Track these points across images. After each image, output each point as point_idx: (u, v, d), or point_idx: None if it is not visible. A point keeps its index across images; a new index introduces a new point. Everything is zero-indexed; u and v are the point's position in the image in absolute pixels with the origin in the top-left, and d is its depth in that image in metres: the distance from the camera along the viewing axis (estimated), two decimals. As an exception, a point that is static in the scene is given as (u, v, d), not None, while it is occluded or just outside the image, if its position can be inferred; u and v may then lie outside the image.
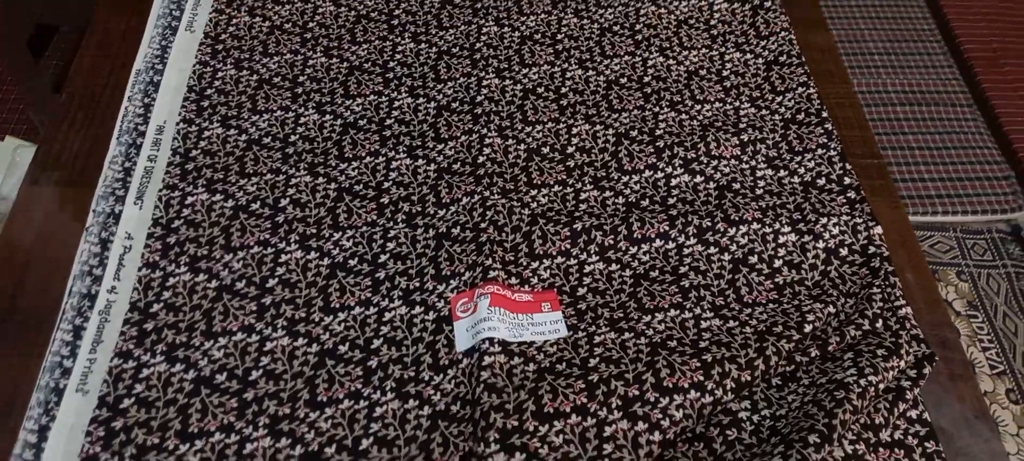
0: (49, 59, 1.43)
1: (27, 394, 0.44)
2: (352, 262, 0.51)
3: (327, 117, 0.60)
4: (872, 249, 0.54)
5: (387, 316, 0.49)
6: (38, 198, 0.52)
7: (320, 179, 0.56)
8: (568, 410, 0.43)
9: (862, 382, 0.45)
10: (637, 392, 0.44)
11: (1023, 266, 1.57)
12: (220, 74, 0.61)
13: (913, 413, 0.47)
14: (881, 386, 0.46)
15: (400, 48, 0.65)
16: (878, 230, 0.55)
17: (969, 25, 1.90)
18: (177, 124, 0.57)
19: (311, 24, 0.66)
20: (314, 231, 0.53)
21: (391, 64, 0.64)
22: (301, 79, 0.62)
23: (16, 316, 0.47)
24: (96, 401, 0.43)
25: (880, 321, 0.49)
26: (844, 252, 0.54)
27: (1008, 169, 1.67)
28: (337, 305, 0.49)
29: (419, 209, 0.55)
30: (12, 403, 0.44)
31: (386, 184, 0.56)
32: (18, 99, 1.35)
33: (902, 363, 0.47)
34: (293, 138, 0.58)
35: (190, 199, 0.53)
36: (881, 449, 0.45)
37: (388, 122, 0.60)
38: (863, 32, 1.89)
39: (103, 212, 0.51)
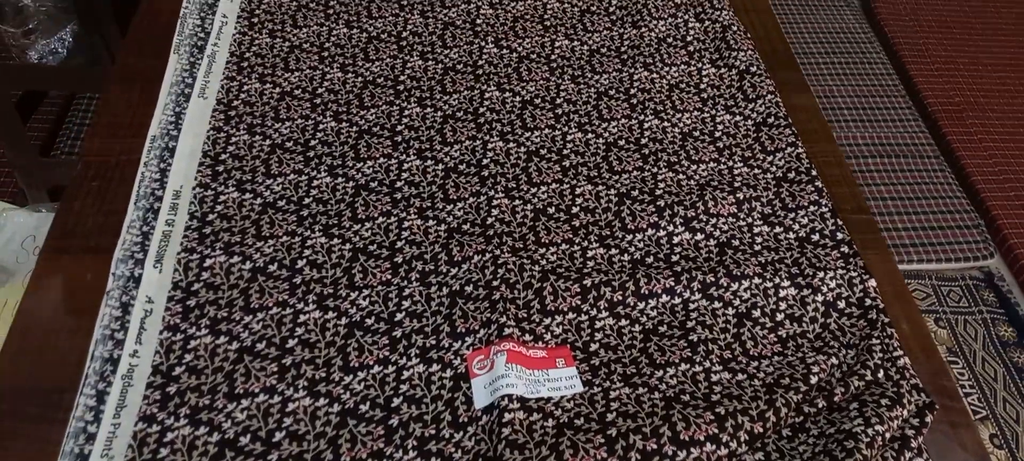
0: (36, 123, 1.43)
1: (51, 461, 0.44)
2: (369, 321, 0.53)
3: (339, 180, 0.61)
4: (868, 301, 0.56)
5: (405, 374, 0.50)
6: (56, 265, 0.53)
7: (335, 240, 0.57)
8: (589, 465, 0.44)
9: (870, 432, 0.47)
10: (655, 445, 0.45)
11: (998, 312, 1.61)
12: (234, 139, 0.63)
13: None
14: (887, 435, 0.48)
15: (407, 112, 0.67)
16: (872, 283, 0.58)
17: (931, 81, 1.99)
18: (193, 189, 0.58)
19: (320, 90, 0.68)
20: (331, 291, 0.54)
21: (399, 128, 0.66)
22: (313, 143, 0.64)
23: (39, 383, 0.47)
24: (122, 467, 0.43)
25: (881, 371, 0.52)
26: (842, 305, 0.56)
27: (977, 217, 1.73)
28: (356, 364, 0.50)
29: (432, 268, 0.56)
30: (36, 471, 0.44)
31: (399, 243, 0.58)
32: (4, 163, 1.35)
33: (905, 412, 0.49)
34: (307, 201, 0.59)
35: (209, 262, 0.54)
36: (890, 496, 0.47)
37: (398, 184, 0.62)
38: (832, 88, 1.97)
39: (123, 276, 0.52)
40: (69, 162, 1.38)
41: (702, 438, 0.46)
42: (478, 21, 0.76)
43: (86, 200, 0.57)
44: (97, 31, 1.19)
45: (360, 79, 0.70)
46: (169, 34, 0.70)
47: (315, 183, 0.61)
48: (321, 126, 0.65)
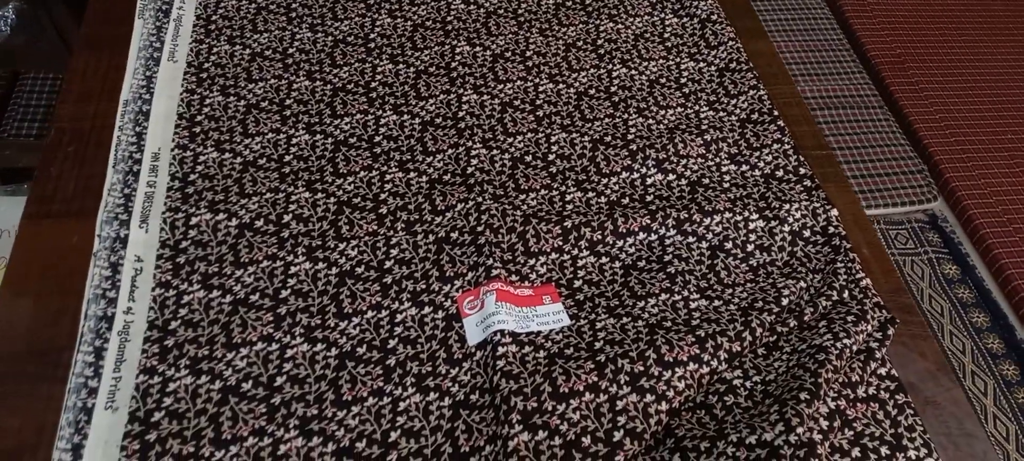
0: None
1: (54, 420, 0.44)
2: (359, 270, 0.54)
3: (318, 137, 0.62)
4: (831, 229, 0.60)
5: (399, 318, 0.51)
6: (38, 231, 0.53)
7: (319, 195, 0.58)
8: (582, 389, 0.47)
9: (838, 345, 0.50)
10: (642, 368, 0.48)
11: (943, 252, 1.70)
12: (208, 101, 0.63)
13: (883, 371, 0.53)
14: (854, 348, 0.51)
15: (379, 69, 0.68)
16: (834, 212, 0.61)
17: (873, 34, 2.06)
18: (172, 150, 0.58)
19: (291, 50, 0.68)
20: (320, 243, 0.55)
21: (373, 84, 0.67)
22: (288, 102, 0.64)
23: (34, 344, 0.47)
24: (127, 417, 0.44)
25: (846, 292, 0.55)
26: (807, 234, 0.60)
27: (921, 163, 1.81)
28: (350, 310, 0.51)
29: (417, 217, 0.57)
30: (41, 429, 0.44)
31: (383, 195, 0.59)
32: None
33: (869, 327, 0.53)
34: (287, 158, 0.60)
35: (194, 220, 0.54)
36: (859, 403, 0.51)
37: (377, 138, 0.63)
38: (780, 44, 2.02)
39: (109, 237, 0.52)
40: (18, 142, 1.34)
41: (685, 358, 0.49)
42: None
43: (63, 165, 0.56)
44: (42, 7, 1.15)
45: (330, 38, 0.70)
46: (131, 1, 0.69)
47: (294, 141, 0.61)
48: (295, 85, 0.65)
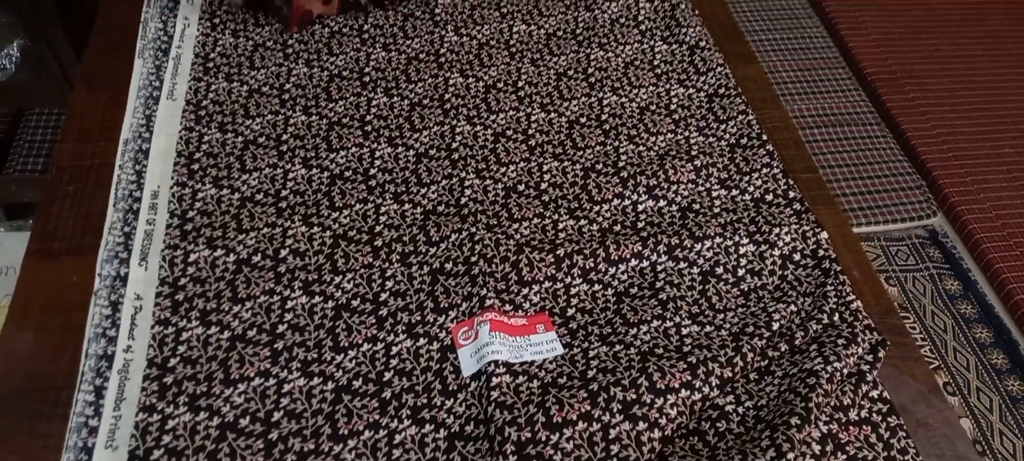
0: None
1: (54, 458, 0.45)
2: (355, 302, 0.54)
3: (314, 171, 0.63)
4: (821, 252, 0.61)
5: (394, 350, 0.52)
6: (40, 269, 0.54)
7: (315, 229, 0.59)
8: (575, 418, 0.47)
9: (829, 369, 0.51)
10: (634, 395, 0.48)
11: (944, 267, 1.70)
12: (206, 138, 0.64)
13: (875, 393, 0.53)
14: (845, 371, 0.52)
15: (375, 102, 0.69)
16: (824, 235, 0.62)
17: (869, 51, 2.08)
18: (171, 188, 0.59)
19: (288, 86, 0.70)
20: (316, 277, 0.56)
21: (368, 117, 0.68)
22: (284, 137, 0.65)
23: (35, 382, 0.48)
24: (127, 456, 0.45)
25: (836, 315, 0.56)
26: (797, 257, 0.61)
27: (919, 179, 1.82)
28: (346, 344, 0.52)
29: (411, 249, 0.58)
30: (40, 467, 0.45)
31: (378, 228, 0.60)
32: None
33: (860, 350, 0.53)
34: (284, 193, 0.61)
35: (193, 256, 0.55)
36: (851, 426, 0.51)
37: (372, 171, 0.64)
38: (776, 62, 2.04)
39: (109, 275, 0.53)
40: (23, 178, 1.35)
41: (677, 385, 0.49)
42: (437, 10, 0.78)
43: (64, 204, 0.57)
44: (46, 45, 1.17)
45: (326, 73, 0.71)
46: (130, 40, 0.70)
47: (291, 175, 0.62)
48: (291, 120, 0.66)
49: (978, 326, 1.61)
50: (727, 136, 0.70)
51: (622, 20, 0.80)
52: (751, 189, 0.65)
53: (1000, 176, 1.80)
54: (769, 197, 0.65)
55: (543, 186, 0.65)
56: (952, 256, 1.72)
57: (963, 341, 1.63)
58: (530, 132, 0.69)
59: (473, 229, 0.60)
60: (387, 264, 0.57)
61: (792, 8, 2.17)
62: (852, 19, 2.14)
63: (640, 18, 0.80)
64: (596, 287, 0.58)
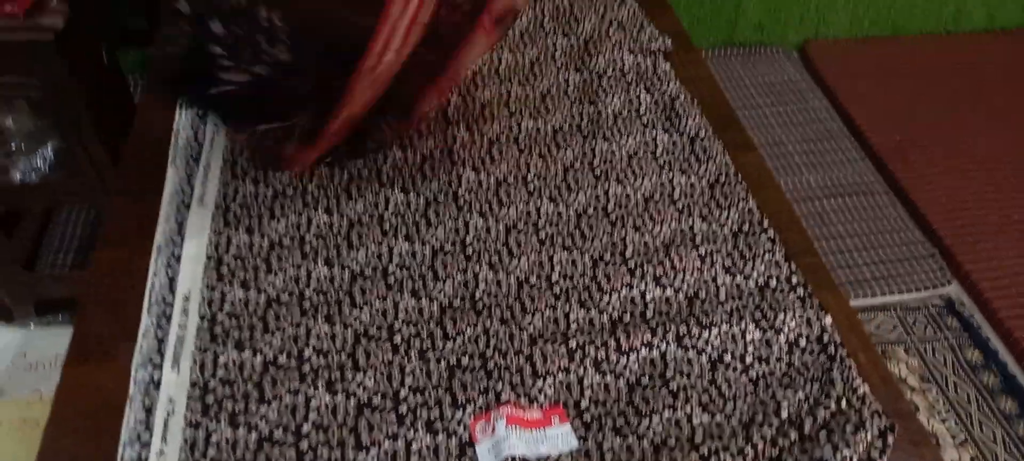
0: (18, 238, 1.45)
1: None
2: (376, 400, 0.57)
3: (335, 269, 0.66)
4: (826, 337, 0.62)
5: (414, 447, 0.54)
6: (78, 375, 0.56)
7: (337, 327, 0.61)
8: (590, 511, 0.49)
9: (838, 457, 0.52)
10: (647, 487, 0.50)
11: (963, 336, 1.69)
12: (234, 241, 0.67)
13: (884, 478, 0.54)
14: (854, 458, 0.53)
15: (391, 201, 0.73)
16: (828, 320, 0.64)
17: (872, 122, 2.11)
18: (201, 291, 0.63)
19: (310, 187, 0.74)
20: (338, 375, 0.58)
21: (386, 216, 0.71)
22: (307, 237, 0.69)
23: (69, 488, 0.50)
24: (158, 558, 0.46)
25: (844, 400, 0.57)
26: (803, 342, 0.62)
27: (931, 247, 1.83)
28: (368, 442, 0.54)
29: (429, 344, 0.61)
30: None
31: (397, 324, 0.62)
32: (-11, 278, 1.37)
33: (869, 435, 0.54)
34: (308, 293, 0.64)
35: (222, 359, 0.58)
36: (862, 512, 0.52)
37: (391, 269, 0.67)
38: (781, 136, 2.08)
39: (143, 381, 0.55)
40: (54, 275, 1.40)
41: (689, 476, 0.51)
42: (449, 110, 0.83)
43: (100, 310, 0.61)
44: (79, 145, 1.23)
45: (346, 174, 0.75)
46: (163, 148, 0.75)
47: (314, 275, 0.65)
48: (313, 220, 0.70)
49: (1002, 396, 1.60)
50: (730, 223, 0.72)
51: (624, 113, 0.84)
52: (755, 275, 0.68)
53: (1010, 243, 1.80)
54: (773, 283, 0.67)
55: (554, 278, 0.67)
56: (970, 325, 1.71)
57: (988, 412, 1.61)
58: (540, 224, 0.72)
59: (487, 322, 0.62)
60: (406, 359, 0.60)
61: (794, 81, 2.23)
62: (854, 92, 2.19)
63: (642, 111, 0.84)
64: (608, 377, 0.60)
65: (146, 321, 0.59)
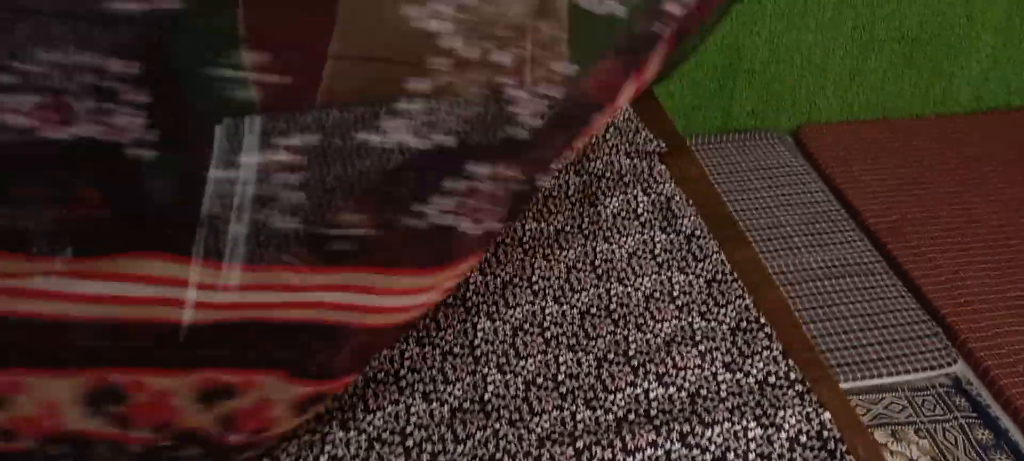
0: None
1: None
2: None
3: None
4: (825, 433, 0.64)
5: (427, 552, 0.55)
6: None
7: (351, 433, 0.64)
8: None
9: (840, 553, 0.53)
10: None
11: (973, 416, 1.68)
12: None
13: None
14: (856, 554, 0.54)
15: None
16: (827, 415, 0.66)
17: (867, 202, 2.15)
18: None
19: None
20: None
21: None
22: (322, 344, 0.72)
23: None
24: None
25: (844, 495, 0.59)
26: (804, 438, 0.64)
27: (935, 326, 1.83)
28: (382, 548, 0.56)
29: (440, 448, 0.63)
30: None
31: (408, 429, 0.64)
32: None
33: (869, 530, 0.56)
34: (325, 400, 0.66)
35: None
36: None
37: (402, 372, 0.69)
38: (779, 218, 2.12)
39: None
40: None
41: None
42: None
43: None
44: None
45: None
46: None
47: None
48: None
49: (1017, 476, 1.57)
50: (728, 320, 0.75)
51: (623, 213, 0.88)
52: (754, 372, 0.70)
53: (1013, 320, 1.81)
54: (772, 379, 0.69)
55: (560, 377, 0.70)
56: (979, 404, 1.70)
57: (1003, 495, 1.58)
58: (545, 324, 0.75)
59: (496, 425, 0.64)
60: None
61: (788, 164, 2.29)
62: (848, 174, 2.24)
63: (639, 211, 0.88)
64: (615, 478, 0.61)
65: None
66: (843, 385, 1.69)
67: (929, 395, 1.74)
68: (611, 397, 0.68)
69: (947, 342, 1.82)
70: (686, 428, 0.64)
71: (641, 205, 0.89)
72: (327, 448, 0.62)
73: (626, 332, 0.74)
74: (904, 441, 1.60)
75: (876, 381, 1.74)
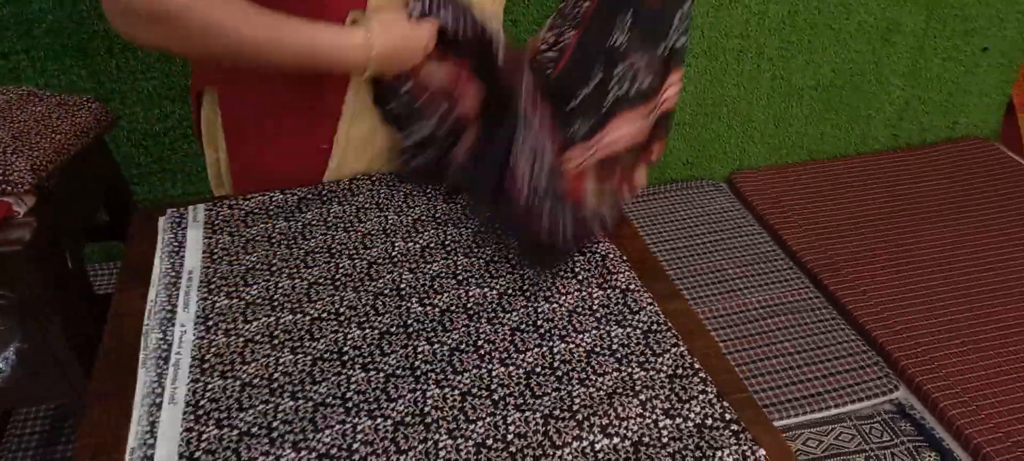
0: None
1: None
2: None
3: (303, 453, 0.70)
4: (760, 468, 0.68)
5: None
6: None
7: (302, 453, 0.67)
8: None
9: None
10: None
11: (918, 439, 1.75)
12: (205, 436, 0.71)
13: None
14: None
15: (353, 378, 0.78)
16: (761, 452, 0.70)
17: (804, 242, 2.26)
18: (175, 489, 0.66)
19: (276, 375, 0.78)
20: None
21: (348, 394, 0.76)
22: (275, 425, 0.73)
23: None
24: None
25: (779, 527, 0.62)
26: (740, 476, 0.68)
27: (875, 356, 1.92)
28: None
29: None
30: None
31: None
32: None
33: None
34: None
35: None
36: None
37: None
38: (721, 262, 2.20)
39: None
40: (13, 477, 1.38)
41: None
42: (402, 285, 0.90)
43: (77, 521, 0.63)
44: (45, 347, 1.26)
45: (309, 358, 0.81)
46: (136, 349, 0.80)
47: (282, 460, 0.69)
48: (280, 407, 0.75)
49: (966, 494, 1.64)
50: (665, 368, 0.79)
51: (562, 273, 0.93)
52: (692, 416, 0.74)
53: (951, 344, 1.91)
54: (709, 421, 0.73)
55: (509, 437, 0.72)
56: (924, 427, 1.78)
57: (953, 515, 1.64)
58: (493, 387, 0.78)
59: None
60: None
61: (727, 211, 2.39)
62: (781, 215, 2.35)
63: (577, 270, 0.93)
64: (565, 530, 0.64)
65: (122, 525, 0.62)
66: (793, 419, 1.75)
67: (876, 423, 1.81)
68: (559, 452, 0.71)
69: (888, 370, 1.91)
70: (630, 476, 0.67)
71: (578, 264, 0.94)
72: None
73: (570, 388, 0.78)
74: (856, 470, 1.66)
75: (824, 413, 1.81)
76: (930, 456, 1.75)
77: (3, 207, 1.16)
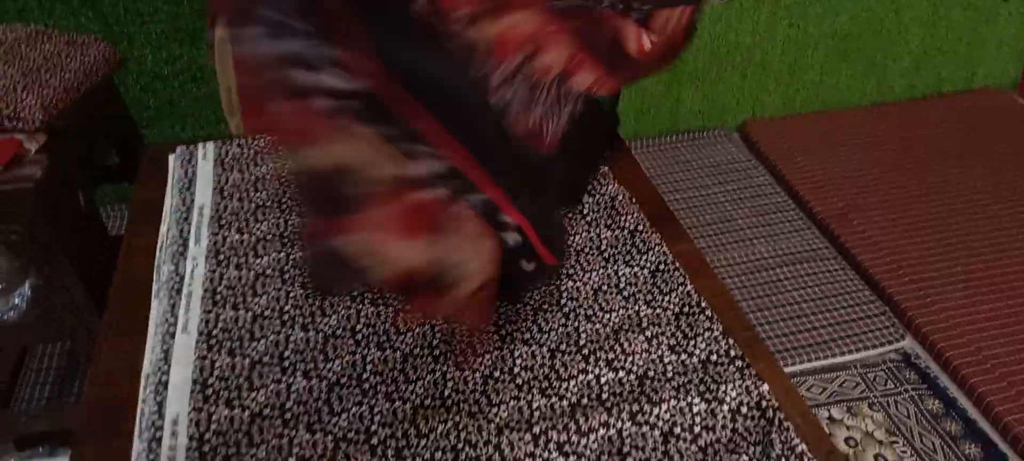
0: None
1: None
2: None
3: (313, 381, 0.71)
4: (764, 404, 0.69)
5: (394, 541, 0.58)
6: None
7: (317, 434, 0.66)
8: None
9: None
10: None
11: (923, 387, 1.76)
12: (217, 363, 0.73)
13: (822, 526, 0.60)
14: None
15: (362, 313, 0.79)
16: (765, 387, 0.70)
17: (814, 192, 2.24)
18: (189, 414, 0.67)
19: (287, 307, 0.79)
20: None
21: (358, 329, 0.77)
22: (286, 354, 0.74)
23: None
24: None
25: (783, 460, 0.63)
26: (744, 410, 0.69)
27: (882, 306, 1.92)
28: (351, 542, 0.58)
29: (404, 443, 0.66)
30: None
31: (373, 427, 0.67)
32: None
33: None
34: (289, 404, 0.69)
35: (211, 477, 0.62)
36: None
37: (364, 375, 0.72)
38: (730, 212, 2.19)
39: (138, 504, 0.60)
40: (32, 412, 1.41)
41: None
42: None
43: (93, 444, 0.65)
44: (57, 284, 1.28)
45: (319, 294, 0.82)
46: (147, 288, 0.81)
47: (293, 387, 0.71)
48: (291, 337, 0.76)
49: (965, 442, 1.66)
50: (672, 306, 0.80)
51: (571, 214, 0.92)
52: (697, 352, 0.75)
53: (957, 294, 1.90)
54: (714, 358, 0.74)
55: (516, 370, 0.73)
56: (928, 376, 1.79)
57: (954, 460, 1.66)
58: (499, 322, 0.78)
59: (457, 418, 0.68)
60: (383, 460, 0.64)
61: (738, 161, 2.37)
62: (793, 165, 2.33)
63: (586, 211, 0.93)
64: (571, 458, 0.65)
65: (138, 446, 0.64)
66: (799, 366, 1.76)
67: (880, 371, 1.82)
68: (564, 385, 0.72)
69: (895, 320, 1.91)
70: (635, 407, 0.68)
71: (587, 206, 0.93)
72: (295, 450, 0.65)
73: (577, 323, 0.78)
74: (859, 415, 1.67)
75: (830, 361, 1.82)
76: (934, 404, 1.76)
77: (14, 144, 1.16)
